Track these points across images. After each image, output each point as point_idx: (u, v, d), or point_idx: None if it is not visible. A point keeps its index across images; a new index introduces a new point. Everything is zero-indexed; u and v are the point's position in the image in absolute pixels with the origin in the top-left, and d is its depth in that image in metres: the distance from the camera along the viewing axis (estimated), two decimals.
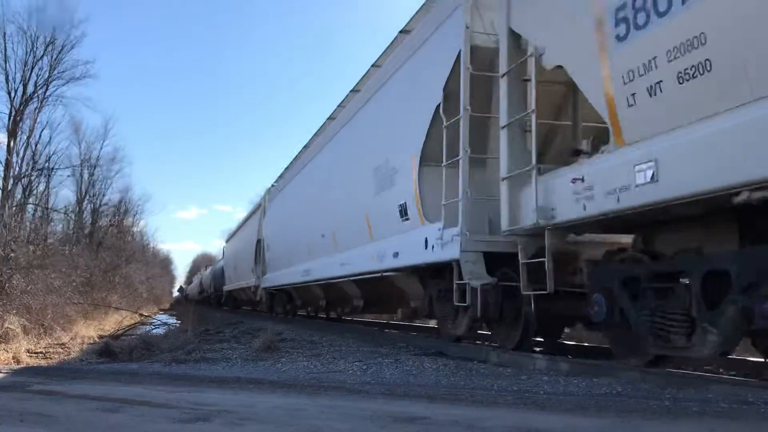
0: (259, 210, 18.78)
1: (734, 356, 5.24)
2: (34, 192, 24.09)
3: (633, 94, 3.69)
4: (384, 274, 7.72)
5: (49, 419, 3.22)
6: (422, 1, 7.31)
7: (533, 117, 4.77)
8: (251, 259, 18.55)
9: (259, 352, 6.49)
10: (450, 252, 5.76)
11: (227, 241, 30.07)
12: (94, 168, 29.41)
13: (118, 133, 44.05)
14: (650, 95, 3.56)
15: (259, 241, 17.69)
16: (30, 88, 22.55)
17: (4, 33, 21.98)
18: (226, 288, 27.00)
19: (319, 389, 4.15)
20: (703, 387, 3.71)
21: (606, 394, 3.68)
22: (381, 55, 8.66)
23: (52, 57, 23.08)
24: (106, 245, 27.47)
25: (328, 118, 11.80)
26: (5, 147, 21.33)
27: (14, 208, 18.74)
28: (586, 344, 6.82)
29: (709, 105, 3.22)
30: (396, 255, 7.16)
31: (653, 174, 3.54)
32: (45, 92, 23.08)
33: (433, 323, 11.80)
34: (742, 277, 3.36)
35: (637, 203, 3.70)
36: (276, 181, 17.37)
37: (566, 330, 8.54)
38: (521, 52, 5.08)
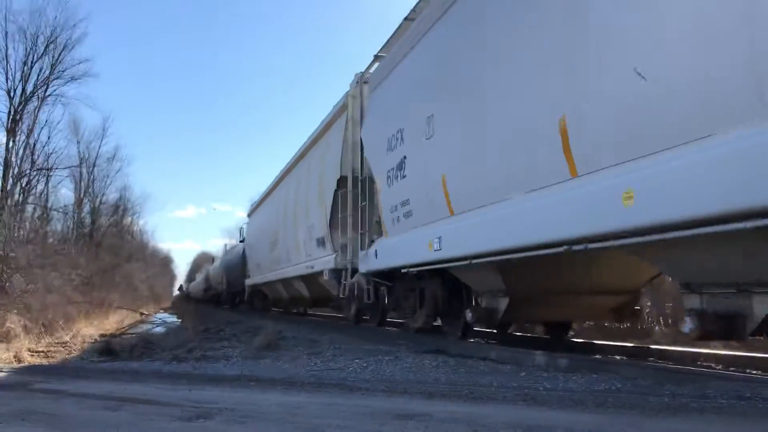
0: (339, 121, 9.65)
1: (733, 352, 5.26)
2: (33, 191, 24.12)
3: None
4: None
5: (50, 417, 3.23)
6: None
7: None
8: (320, 223, 9.92)
9: (259, 350, 6.50)
10: None
11: (251, 215, 20.76)
12: (93, 167, 29.42)
13: (117, 132, 44.15)
14: None
15: (342, 183, 9.13)
16: (30, 87, 22.59)
17: (6, 33, 22.03)
18: (250, 281, 19.06)
19: (319, 386, 4.17)
20: (702, 383, 3.73)
21: (605, 390, 3.70)
22: None
23: (52, 56, 23.11)
24: (106, 244, 27.47)
25: None
26: (4, 146, 21.39)
27: (13, 208, 18.75)
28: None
29: None
30: None
31: None
32: (45, 91, 23.12)
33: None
34: None
35: None
36: (381, 51, 8.65)
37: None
38: None
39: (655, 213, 3.39)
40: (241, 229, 24.46)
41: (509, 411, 3.15)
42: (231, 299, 26.12)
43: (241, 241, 24.23)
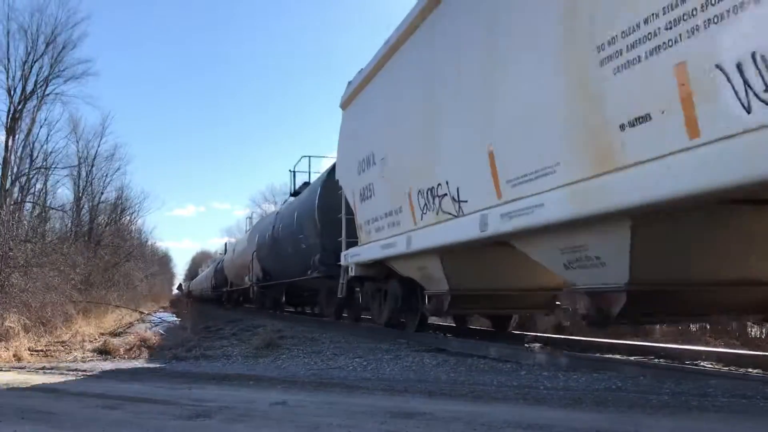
0: None
1: (733, 350, 5.27)
2: (32, 190, 24.10)
3: None
4: None
5: (50, 416, 3.23)
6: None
7: None
8: None
9: (259, 349, 6.50)
10: None
11: (348, 104, 8.32)
12: (92, 166, 29.35)
13: (116, 130, 43.98)
14: None
15: None
16: (30, 86, 22.58)
17: (8, 31, 22.04)
18: (366, 255, 7.63)
19: (319, 385, 4.16)
20: (702, 381, 3.73)
21: (606, 389, 3.69)
22: None
23: (52, 55, 23.10)
24: (105, 243, 27.39)
25: None
26: (3, 145, 21.37)
27: (12, 207, 18.71)
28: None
29: None
30: None
31: None
32: (44, 90, 23.10)
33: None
34: None
35: None
36: None
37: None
38: None
39: None
40: (291, 173, 13.58)
41: (510, 410, 3.15)
42: (272, 299, 15.43)
43: (293, 194, 13.68)
